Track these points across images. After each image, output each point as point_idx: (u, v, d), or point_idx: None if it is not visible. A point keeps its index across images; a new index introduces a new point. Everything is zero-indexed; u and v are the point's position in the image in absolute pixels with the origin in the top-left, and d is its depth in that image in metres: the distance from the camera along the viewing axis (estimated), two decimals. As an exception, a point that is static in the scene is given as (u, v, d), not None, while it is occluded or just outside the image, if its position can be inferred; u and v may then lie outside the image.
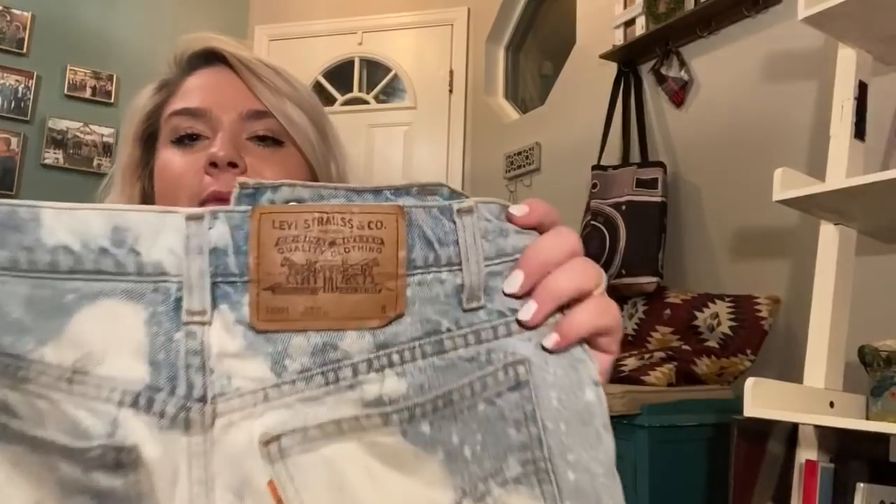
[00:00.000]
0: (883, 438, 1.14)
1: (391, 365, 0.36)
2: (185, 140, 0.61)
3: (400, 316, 0.36)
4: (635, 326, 1.93)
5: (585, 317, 0.38)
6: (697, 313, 1.76)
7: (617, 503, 0.38)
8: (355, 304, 0.35)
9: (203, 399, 0.34)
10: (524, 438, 0.37)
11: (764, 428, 1.26)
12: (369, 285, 0.35)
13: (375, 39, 3.43)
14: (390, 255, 0.35)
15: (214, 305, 0.35)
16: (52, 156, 3.13)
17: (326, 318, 0.35)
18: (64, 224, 0.34)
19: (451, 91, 3.28)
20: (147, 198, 0.66)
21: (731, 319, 1.68)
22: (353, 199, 0.36)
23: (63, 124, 3.16)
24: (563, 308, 0.38)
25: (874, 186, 1.09)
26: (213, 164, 0.58)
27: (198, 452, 0.34)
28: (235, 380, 0.34)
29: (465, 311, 0.37)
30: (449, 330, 0.37)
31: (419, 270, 0.36)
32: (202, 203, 0.57)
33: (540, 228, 0.39)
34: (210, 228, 0.35)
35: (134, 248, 0.34)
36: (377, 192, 0.37)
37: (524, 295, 0.38)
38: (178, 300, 0.34)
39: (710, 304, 1.74)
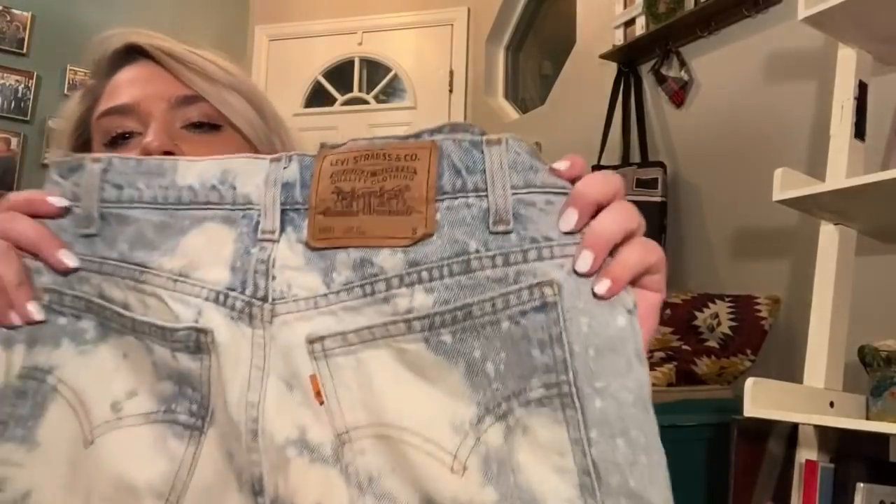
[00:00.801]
0: (883, 438, 1.14)
1: (420, 281, 0.39)
2: (119, 140, 0.59)
3: (429, 235, 0.39)
4: (635, 326, 1.93)
5: (634, 256, 0.39)
6: (697, 313, 1.76)
7: (647, 435, 0.37)
8: (389, 224, 0.39)
9: (265, 298, 0.41)
10: (548, 360, 0.37)
11: (764, 428, 1.26)
12: (401, 208, 0.39)
13: (375, 39, 3.43)
14: (421, 182, 0.39)
15: (283, 228, 0.42)
16: (52, 156, 3.13)
17: (363, 236, 0.40)
18: (191, 170, 0.43)
19: (451, 91, 3.28)
20: None
21: (731, 319, 1.68)
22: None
23: (63, 124, 3.16)
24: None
25: (874, 186, 1.09)
26: (148, 155, 0.56)
27: (259, 343, 0.40)
28: (294, 288, 0.41)
29: (492, 233, 0.39)
30: (477, 251, 0.39)
31: (447, 196, 0.40)
32: None
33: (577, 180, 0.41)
34: (285, 168, 0.42)
35: (233, 185, 0.43)
36: (417, 135, 0.41)
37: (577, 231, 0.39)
38: (258, 223, 0.42)
39: (710, 304, 1.74)
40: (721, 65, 1.96)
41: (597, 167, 2.15)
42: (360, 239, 0.40)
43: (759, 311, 1.64)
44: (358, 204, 0.40)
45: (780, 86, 1.79)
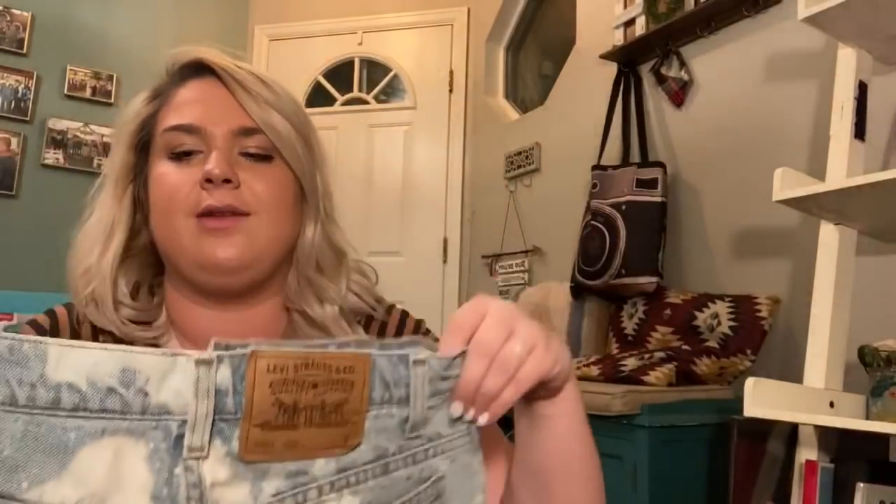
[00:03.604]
0: (883, 438, 1.14)
1: (348, 486, 0.42)
2: (182, 156, 0.63)
3: (358, 444, 0.42)
4: (635, 326, 1.93)
5: (507, 396, 0.47)
6: (697, 313, 1.76)
7: None
8: (327, 436, 0.41)
9: None
10: None
11: (764, 428, 1.26)
12: (339, 420, 0.41)
13: (375, 39, 3.43)
14: (358, 394, 0.42)
15: (210, 440, 0.38)
16: (52, 156, 3.13)
17: (303, 449, 0.40)
18: (71, 362, 0.35)
19: (451, 91, 3.28)
20: (138, 203, 0.67)
21: (731, 319, 1.68)
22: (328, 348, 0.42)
23: (63, 124, 3.16)
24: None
25: (874, 186, 1.09)
26: (209, 181, 0.60)
27: None
28: None
29: (406, 438, 0.45)
30: (393, 454, 0.44)
31: (375, 406, 0.43)
32: (198, 216, 0.60)
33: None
34: (217, 372, 0.38)
35: (143, 390, 0.37)
36: (343, 344, 0.42)
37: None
38: (179, 437, 0.37)
39: (710, 304, 1.74)
40: (721, 65, 1.96)
41: (597, 167, 2.15)
42: (299, 452, 0.40)
43: (759, 311, 1.64)
44: (300, 418, 0.40)
45: (780, 86, 1.79)
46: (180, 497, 0.37)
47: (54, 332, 0.63)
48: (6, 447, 0.34)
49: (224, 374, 0.38)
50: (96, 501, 0.35)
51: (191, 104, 0.64)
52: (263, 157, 0.64)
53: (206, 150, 0.62)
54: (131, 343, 0.58)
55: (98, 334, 0.62)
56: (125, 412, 0.36)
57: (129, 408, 0.36)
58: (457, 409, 0.47)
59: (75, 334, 0.62)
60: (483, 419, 0.47)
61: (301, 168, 0.66)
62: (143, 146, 0.67)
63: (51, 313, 0.65)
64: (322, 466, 0.41)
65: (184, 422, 0.37)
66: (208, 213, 0.60)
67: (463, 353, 0.46)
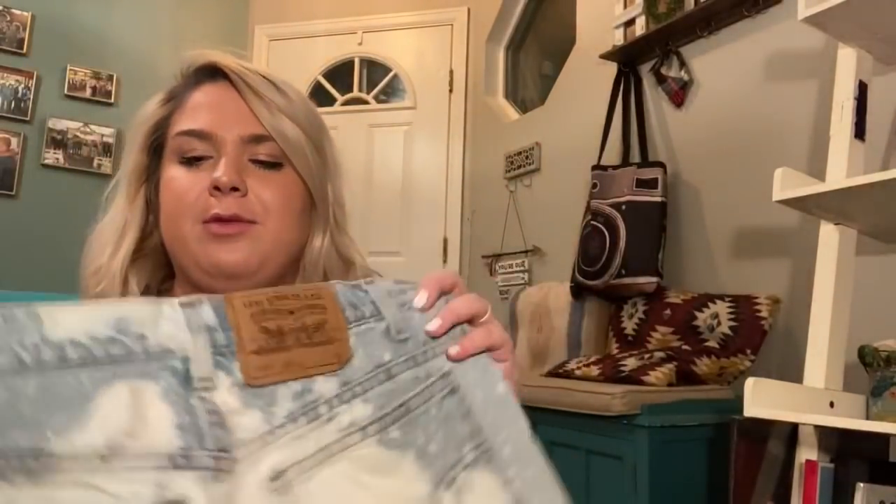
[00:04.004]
0: (883, 438, 1.14)
1: (355, 396, 0.45)
2: (192, 161, 0.64)
3: (350, 359, 0.46)
4: (635, 326, 1.93)
5: (478, 337, 0.50)
6: (697, 313, 1.76)
7: (542, 461, 0.48)
8: (318, 354, 0.45)
9: (226, 450, 0.40)
10: (469, 429, 0.47)
11: (764, 428, 1.26)
12: (324, 339, 0.45)
13: (375, 39, 3.43)
14: (333, 314, 0.47)
15: (214, 373, 0.42)
16: (52, 156, 3.13)
17: (301, 367, 0.44)
18: (65, 321, 0.38)
19: (451, 91, 3.28)
20: (150, 205, 0.67)
21: (731, 319, 1.68)
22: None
23: (63, 124, 3.16)
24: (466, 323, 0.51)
25: (874, 186, 1.09)
26: (217, 188, 0.61)
27: (232, 497, 0.39)
28: (238, 431, 0.41)
29: (397, 343, 0.48)
30: (391, 360, 0.47)
31: (353, 324, 0.47)
32: (205, 222, 0.61)
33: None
34: (202, 311, 0.43)
35: (141, 334, 0.40)
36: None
37: (430, 308, 0.50)
38: (186, 372, 0.41)
39: (710, 304, 1.74)
40: (721, 65, 1.96)
41: (597, 167, 2.15)
42: (298, 370, 0.44)
43: (759, 311, 1.64)
44: (288, 340, 0.44)
45: (780, 86, 1.79)
46: (203, 423, 0.40)
47: None
48: (24, 408, 0.36)
49: (208, 313, 0.43)
50: (129, 436, 0.37)
51: (203, 109, 0.65)
52: (273, 165, 0.64)
53: (216, 156, 0.63)
54: None
55: None
56: (130, 356, 0.39)
57: (133, 352, 0.40)
58: (420, 297, 0.49)
59: None
60: (453, 350, 0.49)
61: (311, 176, 0.66)
62: (156, 148, 0.68)
63: None
64: (323, 384, 0.44)
65: (186, 358, 0.41)
66: (214, 221, 0.60)
67: (414, 283, 0.50)
